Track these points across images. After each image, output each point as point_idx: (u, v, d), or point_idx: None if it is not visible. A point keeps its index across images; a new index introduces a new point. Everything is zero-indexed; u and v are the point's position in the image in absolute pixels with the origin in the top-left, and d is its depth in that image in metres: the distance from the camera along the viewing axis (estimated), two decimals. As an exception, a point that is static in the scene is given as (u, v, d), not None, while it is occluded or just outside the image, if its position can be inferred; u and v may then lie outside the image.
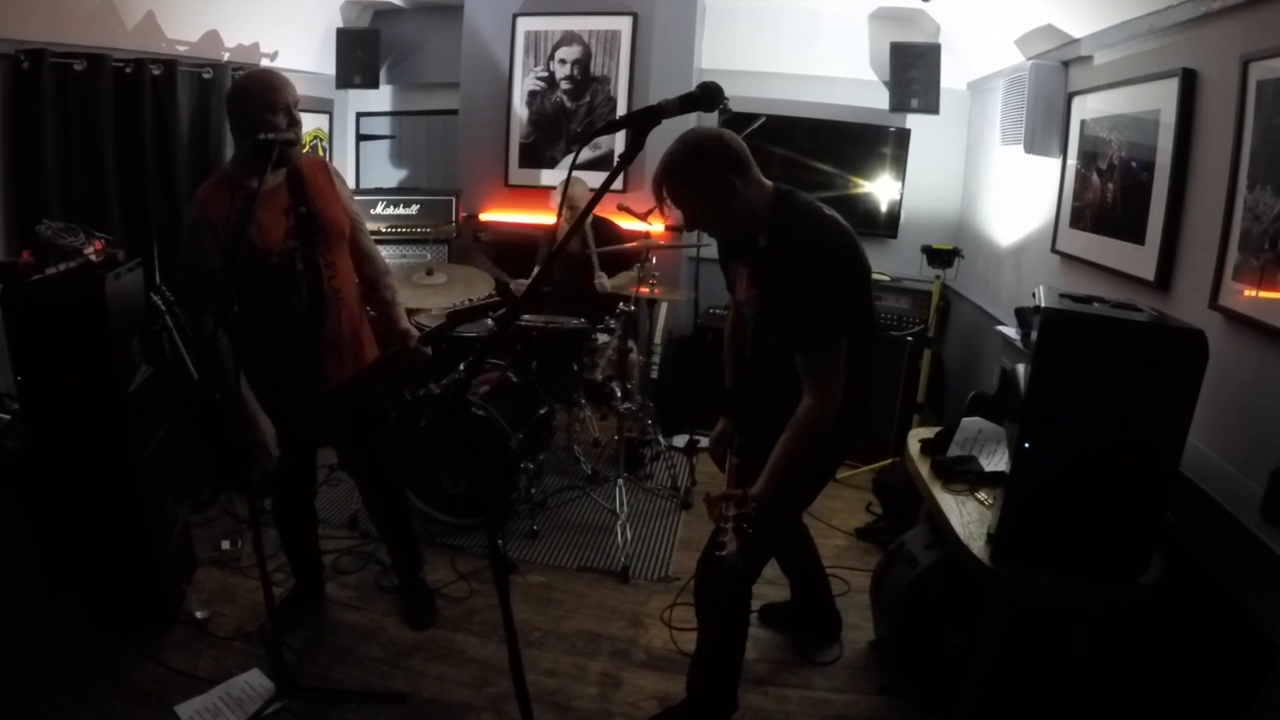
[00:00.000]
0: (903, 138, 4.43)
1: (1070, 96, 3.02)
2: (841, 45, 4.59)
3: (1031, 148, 3.15)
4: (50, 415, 2.29)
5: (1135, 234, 2.46)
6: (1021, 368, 1.94)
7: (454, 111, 4.98)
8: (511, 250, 4.71)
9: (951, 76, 4.28)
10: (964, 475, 2.24)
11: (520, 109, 4.75)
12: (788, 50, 4.63)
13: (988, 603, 1.95)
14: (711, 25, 4.69)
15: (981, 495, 2.15)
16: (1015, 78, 3.27)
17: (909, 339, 4.03)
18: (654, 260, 3.47)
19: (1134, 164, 2.51)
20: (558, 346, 3.43)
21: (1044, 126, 3.11)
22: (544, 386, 3.47)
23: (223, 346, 2.04)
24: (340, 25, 4.90)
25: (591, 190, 3.89)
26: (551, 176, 4.76)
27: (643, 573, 3.02)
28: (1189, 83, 2.22)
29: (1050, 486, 1.75)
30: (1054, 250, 3.09)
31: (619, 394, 3.53)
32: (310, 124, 4.57)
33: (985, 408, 2.54)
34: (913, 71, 4.20)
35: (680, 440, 4.09)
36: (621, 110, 4.56)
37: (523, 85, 4.72)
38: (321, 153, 4.94)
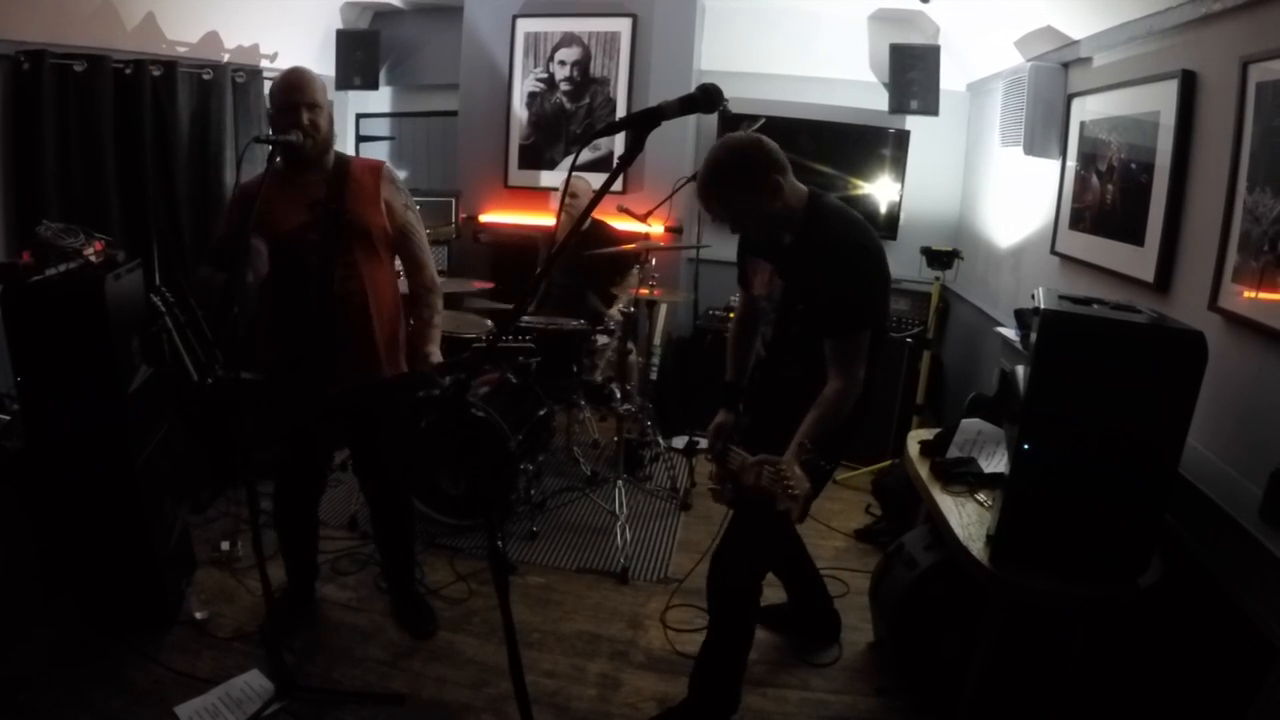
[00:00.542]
0: (902, 139, 4.44)
1: (1070, 98, 3.02)
2: (841, 47, 4.59)
3: (1031, 149, 3.15)
4: (50, 416, 2.28)
5: (1135, 236, 2.46)
6: (1021, 369, 1.94)
7: (453, 113, 4.97)
8: (511, 251, 4.71)
9: (951, 78, 4.28)
10: (963, 477, 2.24)
11: (520, 110, 4.75)
12: (787, 52, 4.64)
13: (987, 604, 1.95)
14: (711, 27, 4.69)
15: (981, 497, 2.14)
16: (1015, 79, 3.28)
17: (908, 340, 4.03)
18: (653, 262, 3.47)
19: (1133, 166, 2.51)
20: (557, 348, 3.43)
21: (1043, 128, 3.11)
22: (543, 388, 3.47)
23: (214, 282, 2.06)
24: (340, 27, 4.90)
25: (593, 191, 3.89)
26: (551, 178, 4.76)
27: (642, 574, 3.02)
28: (1188, 84, 2.22)
29: (1049, 488, 1.75)
30: (1053, 252, 3.09)
31: (618, 395, 3.53)
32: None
33: (984, 409, 2.54)
34: (912, 73, 4.20)
35: (679, 441, 4.08)
36: (621, 112, 4.55)
37: (522, 87, 4.72)
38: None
